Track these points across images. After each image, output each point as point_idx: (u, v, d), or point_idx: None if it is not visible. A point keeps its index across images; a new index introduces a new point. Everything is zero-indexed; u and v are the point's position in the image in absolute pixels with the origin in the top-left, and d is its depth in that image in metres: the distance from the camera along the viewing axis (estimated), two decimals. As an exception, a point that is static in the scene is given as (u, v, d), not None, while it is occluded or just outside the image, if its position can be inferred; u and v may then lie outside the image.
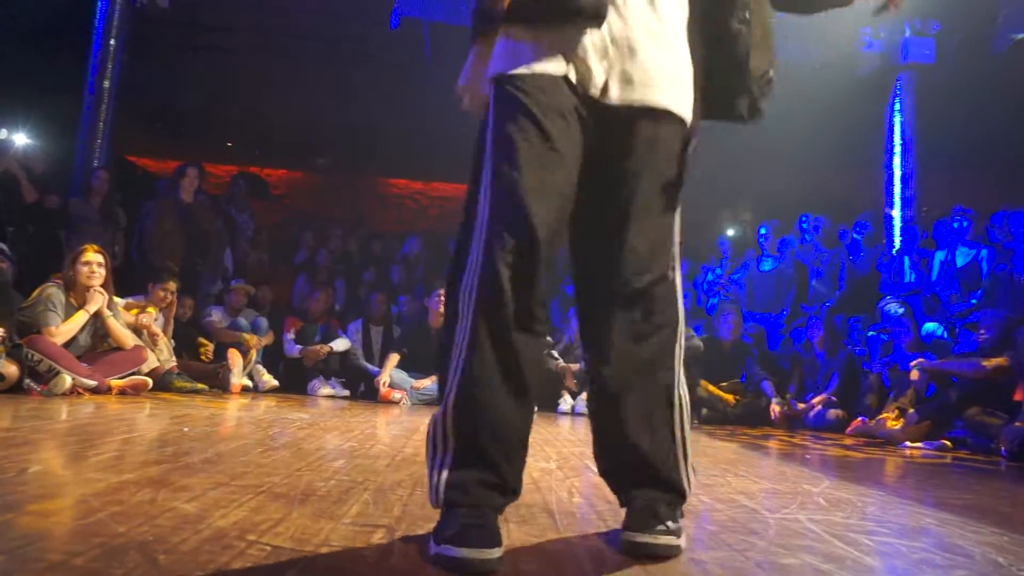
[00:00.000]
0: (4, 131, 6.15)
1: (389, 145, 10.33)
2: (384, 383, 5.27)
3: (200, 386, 4.72)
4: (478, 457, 1.12)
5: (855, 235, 6.52)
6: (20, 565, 0.90)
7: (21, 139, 6.41)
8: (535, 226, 1.12)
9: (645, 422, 1.23)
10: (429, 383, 5.32)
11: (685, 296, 6.53)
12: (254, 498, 1.38)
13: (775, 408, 5.12)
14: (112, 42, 6.33)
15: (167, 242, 5.82)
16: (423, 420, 3.74)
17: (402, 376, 5.38)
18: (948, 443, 3.97)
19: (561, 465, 2.22)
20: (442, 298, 5.51)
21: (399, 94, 8.35)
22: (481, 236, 1.17)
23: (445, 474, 1.13)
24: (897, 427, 4.09)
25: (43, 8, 6.78)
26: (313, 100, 9.00)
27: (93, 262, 4.06)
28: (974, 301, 5.18)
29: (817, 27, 6.99)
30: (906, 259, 5.96)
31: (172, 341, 5.01)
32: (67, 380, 3.61)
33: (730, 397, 5.20)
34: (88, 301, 4.02)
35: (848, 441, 4.23)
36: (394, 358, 5.44)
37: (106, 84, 6.31)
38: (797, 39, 6.97)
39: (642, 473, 1.24)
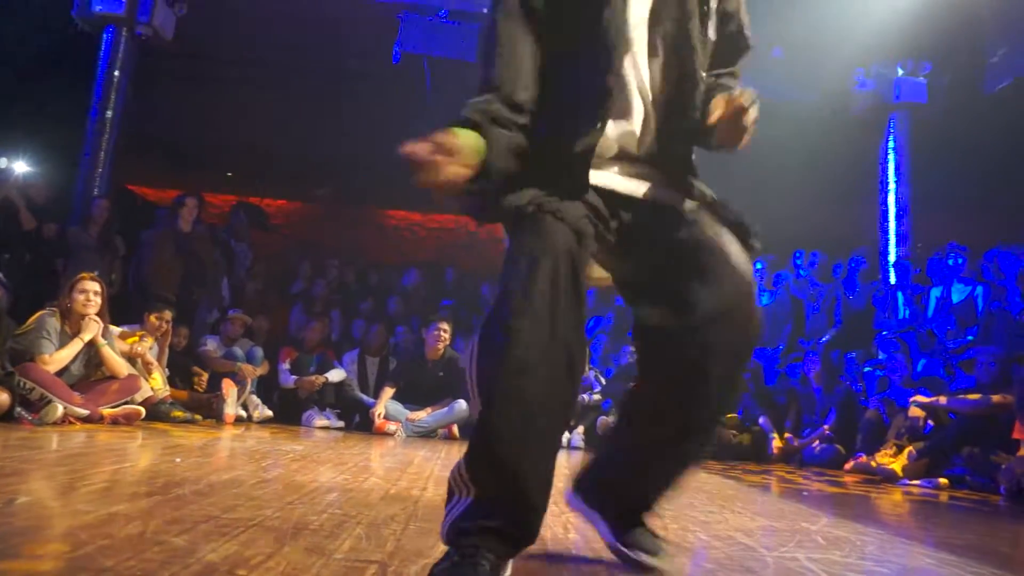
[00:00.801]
0: (4, 160, 6.19)
1: (388, 176, 10.40)
2: (379, 415, 5.23)
3: (194, 416, 4.68)
4: (493, 506, 1.11)
5: (850, 273, 6.55)
6: (5, 599, 0.89)
7: (21, 167, 6.45)
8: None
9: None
10: (424, 415, 5.28)
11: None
12: (245, 531, 1.36)
13: (774, 444, 5.08)
14: (116, 72, 6.42)
15: (165, 271, 5.82)
16: (417, 453, 3.70)
17: (397, 408, 5.34)
18: (946, 481, 3.94)
19: (557, 500, 2.20)
20: (440, 332, 5.51)
21: (399, 127, 8.39)
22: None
23: (456, 515, 1.14)
24: (895, 464, 4.06)
25: (48, 38, 6.89)
26: (313, 132, 9.10)
27: (89, 290, 4.05)
28: (970, 337, 5.18)
29: (811, 66, 7.12)
30: (900, 295, 5.99)
31: (167, 370, 4.98)
32: (59, 409, 3.57)
33: (728, 433, 5.17)
34: (83, 329, 4.00)
35: (846, 478, 4.20)
36: (389, 391, 5.40)
37: (108, 114, 6.37)
38: (791, 78, 7.09)
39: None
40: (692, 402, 1.25)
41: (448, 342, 5.57)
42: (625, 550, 1.34)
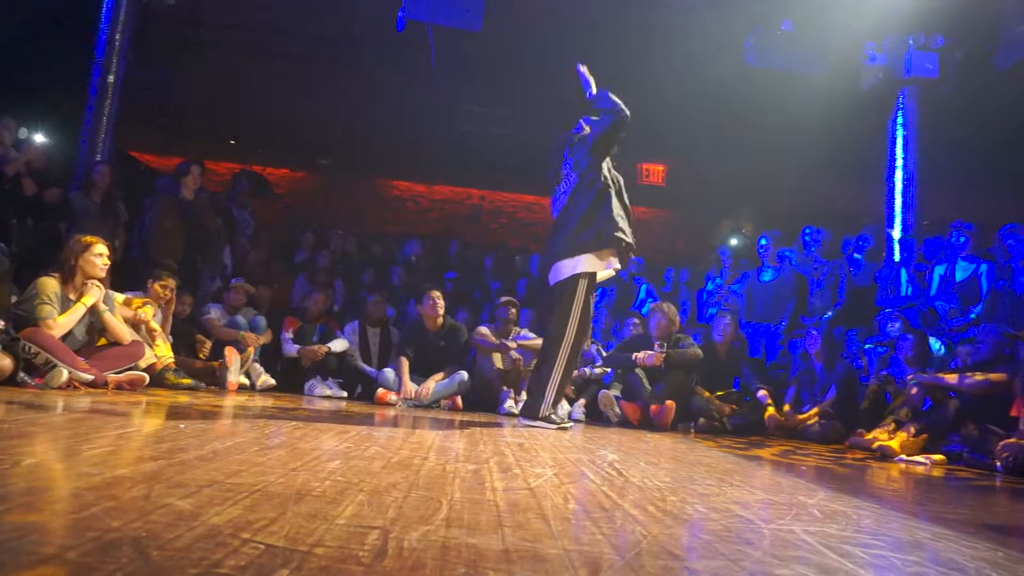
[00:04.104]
0: (24, 131, 6.13)
1: (391, 147, 10.34)
2: (411, 391, 5.17)
3: (198, 383, 4.71)
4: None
5: (856, 251, 6.52)
6: (12, 558, 0.90)
7: (39, 139, 6.40)
8: None
9: None
10: (431, 384, 5.28)
11: (684, 305, 6.88)
12: (248, 496, 1.37)
13: (772, 419, 5.11)
14: (117, 37, 6.35)
15: (167, 239, 5.83)
16: (420, 423, 3.73)
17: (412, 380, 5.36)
18: (944, 457, 3.97)
19: (557, 472, 2.22)
20: (434, 300, 5.49)
21: (403, 96, 8.36)
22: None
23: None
24: (893, 440, 4.09)
25: (49, 2, 6.80)
26: (317, 100, 9.02)
27: (104, 254, 4.08)
28: (972, 316, 5.18)
29: (821, 39, 7.01)
30: (903, 272, 5.96)
31: (170, 338, 5.01)
32: (63, 373, 3.60)
33: (727, 407, 5.19)
34: (85, 294, 4.01)
35: (844, 453, 4.23)
36: (405, 362, 5.36)
37: (110, 79, 6.32)
38: (800, 51, 6.99)
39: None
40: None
41: (443, 309, 5.56)
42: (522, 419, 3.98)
